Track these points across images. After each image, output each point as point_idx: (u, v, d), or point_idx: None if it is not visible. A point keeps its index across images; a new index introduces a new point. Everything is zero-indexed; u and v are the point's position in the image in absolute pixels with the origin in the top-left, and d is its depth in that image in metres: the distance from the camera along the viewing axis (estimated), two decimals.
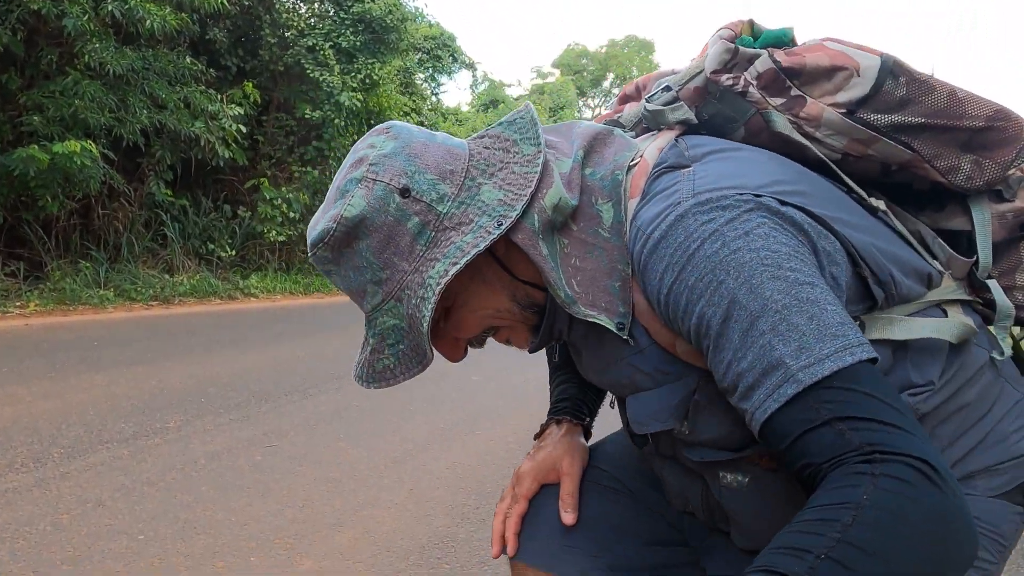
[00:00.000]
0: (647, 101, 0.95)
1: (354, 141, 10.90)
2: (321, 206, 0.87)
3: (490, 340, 0.98)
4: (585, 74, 43.62)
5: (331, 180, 10.51)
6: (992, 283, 0.90)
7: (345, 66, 11.51)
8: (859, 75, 0.86)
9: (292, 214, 10.94)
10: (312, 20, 11.95)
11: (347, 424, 3.87)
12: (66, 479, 2.78)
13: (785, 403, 0.67)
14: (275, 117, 11.64)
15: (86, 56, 7.59)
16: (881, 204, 0.89)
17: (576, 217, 0.84)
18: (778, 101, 0.88)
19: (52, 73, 7.85)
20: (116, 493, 2.69)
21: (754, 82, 0.88)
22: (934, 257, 0.90)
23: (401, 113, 13.89)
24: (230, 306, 8.95)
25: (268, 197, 10.72)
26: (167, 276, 9.03)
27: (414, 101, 16.45)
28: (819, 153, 0.88)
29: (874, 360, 0.69)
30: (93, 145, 7.38)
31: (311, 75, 11.04)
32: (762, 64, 0.88)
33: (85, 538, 2.32)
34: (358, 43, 11.62)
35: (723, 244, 0.72)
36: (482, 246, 0.79)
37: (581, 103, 42.58)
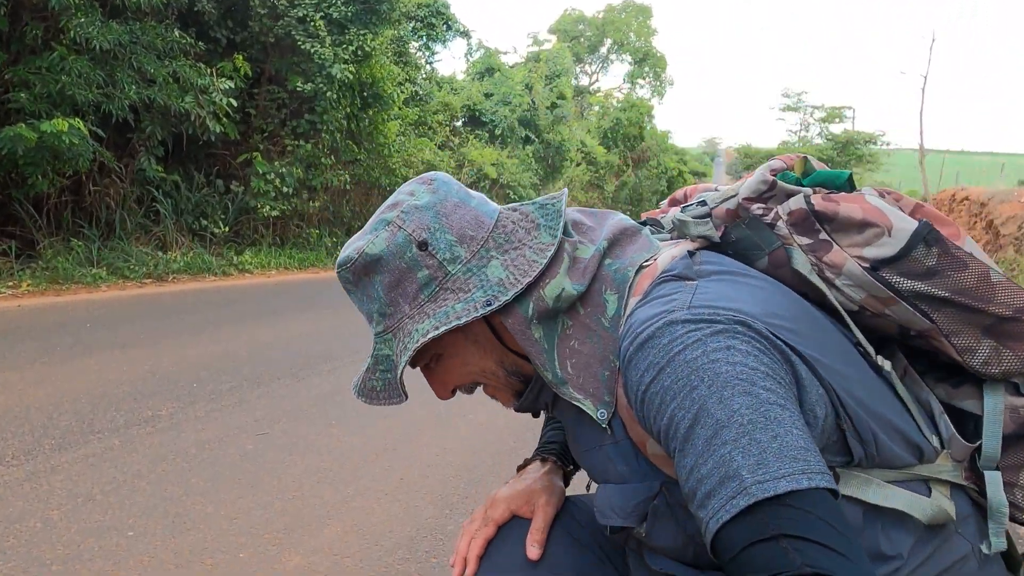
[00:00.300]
0: (681, 211, 0.97)
1: (347, 113, 10.76)
2: (361, 231, 0.96)
3: None
4: (582, 40, 43.05)
5: (324, 154, 10.42)
6: (991, 475, 0.88)
7: (337, 37, 11.33)
8: (890, 235, 0.85)
9: (285, 188, 10.86)
10: None
11: (339, 409, 3.89)
12: (57, 472, 2.80)
13: (736, 514, 0.67)
14: (267, 90, 11.49)
15: (72, 31, 7.46)
16: (887, 365, 0.87)
17: (585, 302, 0.90)
18: (804, 241, 0.89)
19: (38, 48, 7.72)
20: (107, 487, 2.71)
21: (785, 217, 0.89)
22: (936, 432, 0.88)
23: (395, 83, 13.71)
24: (224, 282, 8.94)
25: (261, 171, 10.64)
26: (160, 253, 8.99)
27: (408, 71, 16.23)
28: (834, 300, 0.88)
29: (834, 492, 0.69)
30: (81, 123, 7.29)
31: (302, 47, 10.87)
32: (795, 202, 0.89)
33: (75, 535, 2.33)
34: (349, 13, 11.43)
35: (703, 352, 0.74)
36: (463, 320, 0.86)
37: (578, 69, 42.11)
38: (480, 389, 1.03)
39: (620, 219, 0.97)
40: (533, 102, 23.78)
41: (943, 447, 0.87)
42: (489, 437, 3.60)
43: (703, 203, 0.96)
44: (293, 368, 4.65)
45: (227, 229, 10.23)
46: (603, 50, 43.40)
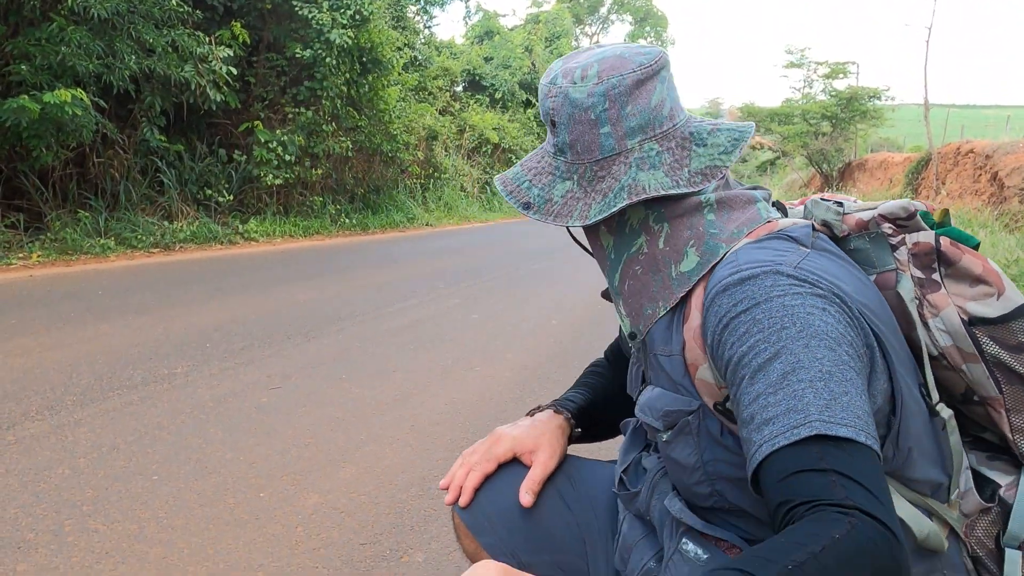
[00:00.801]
0: (820, 198, 1.02)
1: (347, 79, 10.72)
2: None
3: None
4: (582, 0, 42.41)
5: (325, 120, 10.41)
6: (1012, 553, 0.91)
7: (334, 2, 11.24)
8: (998, 299, 0.89)
9: (288, 156, 10.88)
10: None
11: (349, 365, 3.99)
12: (80, 425, 2.91)
13: (796, 441, 0.70)
14: (266, 57, 11.45)
15: (69, 1, 7.44)
16: (944, 412, 0.91)
17: (668, 239, 0.94)
18: (917, 274, 0.92)
19: (36, 20, 7.71)
20: (129, 437, 2.82)
21: (910, 245, 0.93)
22: (957, 485, 0.92)
23: (394, 48, 13.62)
24: (230, 251, 9.02)
25: (263, 140, 10.65)
26: (166, 223, 9.07)
27: (407, 36, 16.10)
28: (923, 336, 0.91)
29: (879, 458, 0.73)
30: (84, 93, 7.31)
31: (299, 12, 10.81)
32: (925, 236, 0.93)
33: (102, 480, 2.45)
34: None
35: (801, 304, 0.79)
36: (661, 192, 0.93)
37: (578, 31, 41.58)
38: None
39: (743, 189, 0.99)
40: (533, 64, 23.57)
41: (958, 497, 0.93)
42: (496, 388, 3.70)
43: (840, 204, 0.99)
44: (303, 329, 4.75)
45: (231, 198, 10.28)
46: (603, 10, 42.81)
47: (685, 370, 0.93)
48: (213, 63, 9.20)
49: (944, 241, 0.93)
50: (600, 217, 0.93)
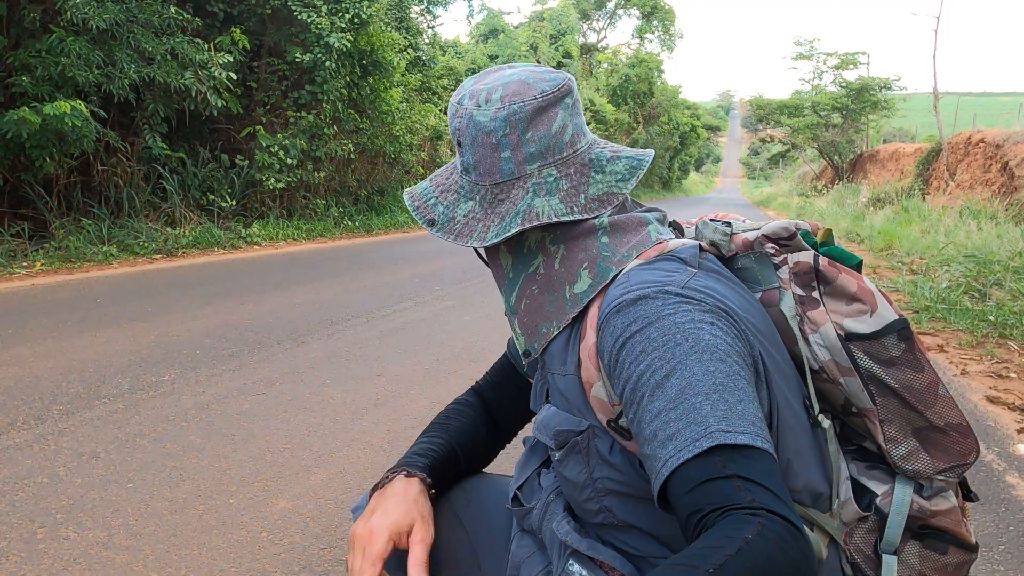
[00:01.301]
0: (710, 219, 1.07)
1: (347, 83, 10.81)
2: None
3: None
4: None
5: (326, 124, 10.53)
6: (888, 559, 0.95)
7: (332, 6, 11.32)
8: (871, 316, 0.94)
9: (290, 160, 10.97)
10: None
11: (335, 369, 4.05)
12: (64, 434, 2.98)
13: (699, 454, 0.75)
14: (267, 62, 11.54)
15: (68, 12, 7.56)
16: (825, 422, 0.96)
17: (563, 260, 0.99)
18: (798, 291, 0.98)
19: (37, 32, 7.83)
20: (110, 446, 2.89)
21: (791, 264, 0.99)
22: (838, 495, 0.97)
23: (396, 50, 13.68)
24: (233, 255, 9.12)
25: (264, 144, 10.75)
26: (169, 229, 9.17)
27: (410, 37, 16.16)
28: (804, 351, 0.97)
29: (775, 459, 0.78)
30: (82, 104, 7.42)
31: (298, 17, 10.89)
32: (805, 256, 0.99)
33: (79, 488, 2.52)
34: None
35: (691, 320, 0.84)
36: (558, 219, 0.97)
37: (585, 26, 41.50)
38: None
39: (641, 208, 1.05)
40: (539, 62, 23.57)
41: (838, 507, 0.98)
42: None
43: (729, 224, 1.05)
44: (294, 333, 4.82)
45: (234, 203, 10.38)
46: (610, 5, 42.64)
47: (580, 388, 0.97)
48: (213, 69, 9.30)
49: (823, 260, 0.98)
50: (496, 240, 0.97)
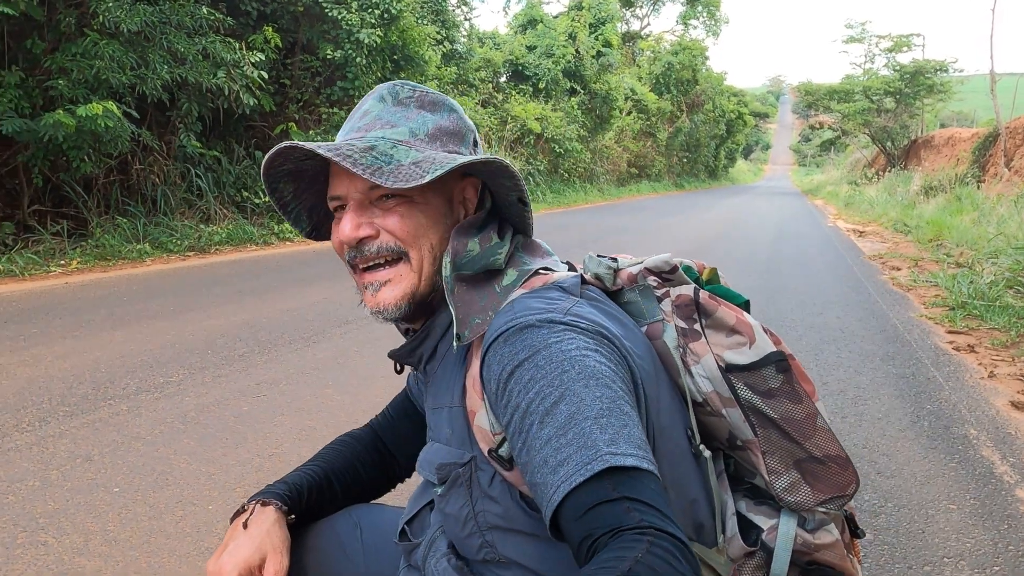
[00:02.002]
0: (596, 255, 1.09)
1: (378, 78, 10.96)
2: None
3: None
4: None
5: None
6: None
7: (363, 2, 11.37)
8: (750, 348, 0.96)
9: None
10: None
11: (340, 370, 4.06)
12: (63, 437, 3.06)
13: (590, 477, 0.76)
14: (300, 59, 11.68)
15: (101, 16, 7.75)
16: (706, 452, 0.97)
17: (488, 275, 0.99)
18: (680, 324, 1.00)
19: (72, 35, 8.05)
20: (105, 449, 2.94)
21: (673, 298, 1.01)
22: (722, 530, 0.97)
23: (431, 43, 13.69)
24: (264, 252, 9.27)
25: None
26: (203, 226, 9.37)
27: (446, 30, 16.16)
28: (687, 383, 0.98)
29: (660, 479, 0.79)
30: (114, 105, 7.61)
31: (329, 14, 10.97)
32: (686, 289, 1.01)
33: (67, 492, 2.57)
34: None
35: (576, 348, 0.86)
36: (490, 159, 0.96)
37: (628, 14, 40.94)
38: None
39: (536, 242, 1.09)
40: (578, 52, 23.34)
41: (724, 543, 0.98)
42: None
43: (615, 260, 1.07)
44: (307, 333, 4.86)
45: (267, 199, 10.54)
46: None
47: (464, 419, 0.97)
48: (245, 68, 9.43)
49: (703, 294, 1.00)
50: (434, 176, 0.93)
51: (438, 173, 0.91)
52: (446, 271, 0.97)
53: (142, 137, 8.74)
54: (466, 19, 19.55)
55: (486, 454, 0.93)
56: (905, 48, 30.60)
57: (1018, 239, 8.84)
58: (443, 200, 1.01)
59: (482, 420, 0.93)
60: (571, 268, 1.11)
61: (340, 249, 1.03)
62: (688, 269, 1.06)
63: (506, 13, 24.18)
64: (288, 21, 11.30)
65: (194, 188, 9.84)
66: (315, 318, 5.30)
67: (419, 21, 13.17)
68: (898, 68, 29.26)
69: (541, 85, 21.70)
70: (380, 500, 1.33)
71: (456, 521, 0.99)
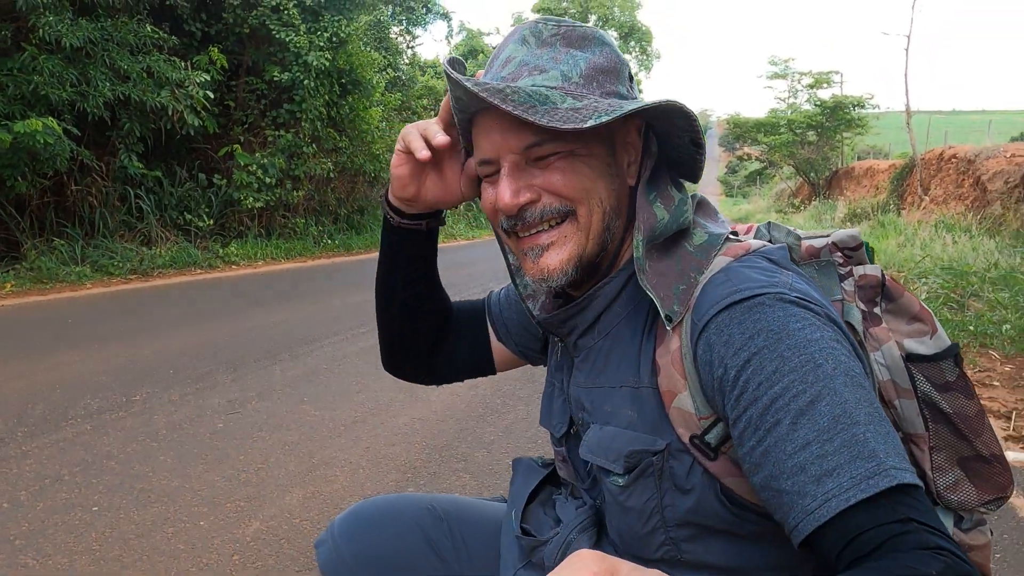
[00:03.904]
0: (779, 223, 0.99)
1: (326, 101, 10.79)
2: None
3: None
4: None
5: (305, 143, 10.24)
6: None
7: (311, 25, 11.30)
8: (931, 338, 0.90)
9: (268, 179, 10.88)
10: None
11: (312, 387, 3.95)
12: (27, 457, 2.86)
13: (874, 495, 0.67)
14: (245, 81, 11.48)
15: (40, 30, 7.46)
16: None
17: (674, 236, 0.90)
18: (861, 306, 0.91)
19: (8, 50, 7.72)
20: (75, 468, 2.77)
21: (856, 278, 0.92)
22: None
23: (376, 69, 13.68)
24: (210, 275, 8.98)
25: (243, 163, 10.65)
26: (145, 249, 9.03)
27: (390, 56, 16.19)
28: (870, 370, 0.91)
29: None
30: (55, 122, 7.31)
31: (277, 36, 10.86)
32: (872, 270, 0.92)
33: (41, 513, 2.40)
34: (323, 0, 11.38)
35: (822, 336, 0.75)
36: (663, 105, 0.83)
37: None
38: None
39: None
40: None
41: None
42: (460, 405, 3.67)
43: (791, 232, 0.98)
44: (271, 351, 4.71)
45: (211, 222, 10.26)
46: None
47: (657, 401, 0.85)
48: (190, 88, 9.21)
49: (889, 278, 0.93)
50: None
51: (604, 120, 0.79)
52: (638, 252, 0.85)
53: (80, 156, 8.40)
54: (408, 47, 19.65)
55: (687, 441, 0.83)
56: (825, 84, 32.19)
57: (943, 260, 9.36)
58: (606, 148, 0.88)
59: (684, 402, 0.82)
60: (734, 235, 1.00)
61: (493, 215, 0.92)
62: (869, 250, 0.96)
63: (448, 42, 24.27)
64: (233, 43, 11.11)
65: (134, 210, 9.49)
66: (277, 338, 5.15)
67: (364, 47, 13.15)
68: (819, 103, 30.71)
69: None
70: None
71: (637, 515, 0.88)
